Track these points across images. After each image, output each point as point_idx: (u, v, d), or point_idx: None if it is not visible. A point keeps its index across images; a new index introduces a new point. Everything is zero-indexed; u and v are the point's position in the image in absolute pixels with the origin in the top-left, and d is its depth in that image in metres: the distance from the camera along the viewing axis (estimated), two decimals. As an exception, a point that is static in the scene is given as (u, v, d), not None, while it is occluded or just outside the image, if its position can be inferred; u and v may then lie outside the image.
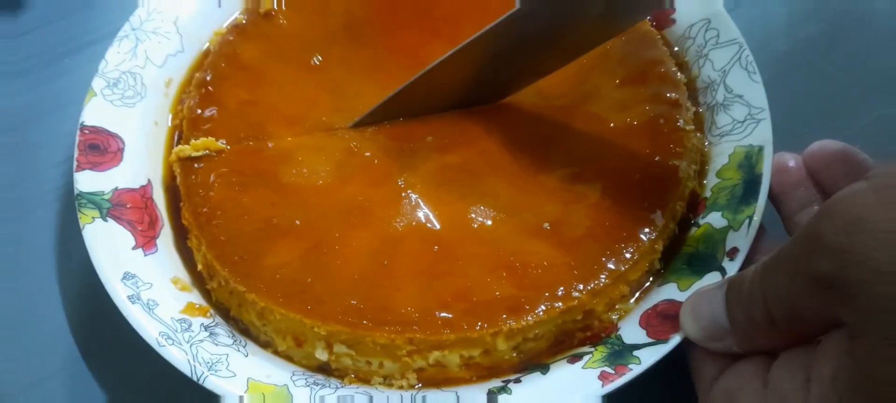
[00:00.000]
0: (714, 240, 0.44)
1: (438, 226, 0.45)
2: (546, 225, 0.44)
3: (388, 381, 0.42)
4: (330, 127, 0.49)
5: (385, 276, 0.43)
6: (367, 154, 0.48)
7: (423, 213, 0.45)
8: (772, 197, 0.45)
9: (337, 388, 0.41)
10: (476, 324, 0.41)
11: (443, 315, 0.41)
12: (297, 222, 0.45)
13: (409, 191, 0.46)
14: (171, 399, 0.43)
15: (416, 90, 0.48)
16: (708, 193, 0.47)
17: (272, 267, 0.43)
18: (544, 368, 0.42)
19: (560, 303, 0.42)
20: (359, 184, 0.46)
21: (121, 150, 0.48)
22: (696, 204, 0.47)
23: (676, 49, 0.52)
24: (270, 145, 0.48)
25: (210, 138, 0.48)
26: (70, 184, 0.46)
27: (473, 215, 0.45)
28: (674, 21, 0.53)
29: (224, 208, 0.45)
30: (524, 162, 0.47)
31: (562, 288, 0.42)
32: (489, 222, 0.45)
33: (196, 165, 0.47)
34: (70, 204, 0.46)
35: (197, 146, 0.47)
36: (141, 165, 0.48)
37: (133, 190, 0.47)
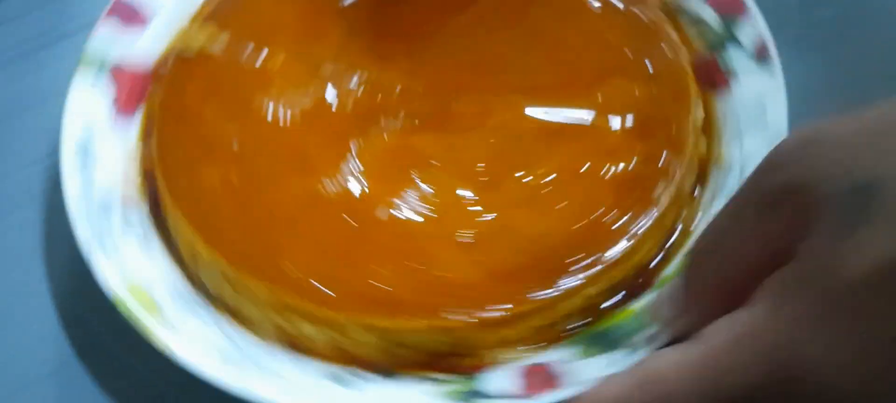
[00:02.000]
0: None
1: (364, 198, 0.43)
2: (469, 238, 0.42)
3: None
4: (319, 63, 0.47)
5: (283, 228, 0.42)
6: (335, 108, 0.46)
7: (359, 187, 0.44)
8: None
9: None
10: (340, 305, 0.40)
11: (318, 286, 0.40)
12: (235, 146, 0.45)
13: (356, 160, 0.45)
14: (175, 397, 0.42)
15: None
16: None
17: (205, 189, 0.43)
18: (394, 375, 0.40)
19: (428, 321, 0.39)
20: (316, 135, 0.46)
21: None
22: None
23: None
24: (260, 58, 0.47)
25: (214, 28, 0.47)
26: (53, 181, 0.44)
27: (402, 205, 0.43)
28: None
29: (186, 113, 0.46)
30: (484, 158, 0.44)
31: (450, 308, 0.39)
32: (420, 218, 0.43)
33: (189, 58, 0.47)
34: (54, 204, 0.45)
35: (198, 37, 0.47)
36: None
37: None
